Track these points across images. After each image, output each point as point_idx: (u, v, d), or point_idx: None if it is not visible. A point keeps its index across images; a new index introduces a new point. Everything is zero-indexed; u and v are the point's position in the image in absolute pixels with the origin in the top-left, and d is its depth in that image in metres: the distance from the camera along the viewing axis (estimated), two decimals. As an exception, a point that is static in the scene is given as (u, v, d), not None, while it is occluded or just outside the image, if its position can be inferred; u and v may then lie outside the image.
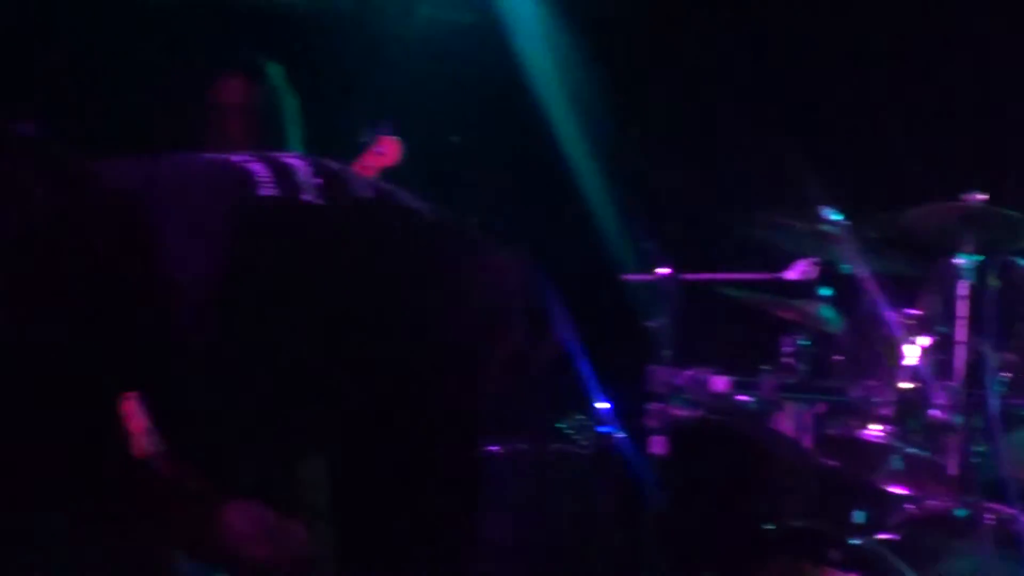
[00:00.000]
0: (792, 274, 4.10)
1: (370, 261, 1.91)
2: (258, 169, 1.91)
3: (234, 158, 1.95)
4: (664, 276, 4.12)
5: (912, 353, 3.72)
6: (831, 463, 3.71)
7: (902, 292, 3.86)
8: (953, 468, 3.54)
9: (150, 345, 1.76)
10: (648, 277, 4.17)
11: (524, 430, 1.95)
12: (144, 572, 2.00)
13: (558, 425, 1.96)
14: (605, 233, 5.19)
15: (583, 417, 1.98)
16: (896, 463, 3.64)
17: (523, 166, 5.41)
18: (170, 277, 1.74)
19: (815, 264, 4.07)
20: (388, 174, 3.86)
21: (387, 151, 3.94)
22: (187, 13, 4.67)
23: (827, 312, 3.98)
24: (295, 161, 1.98)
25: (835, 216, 3.88)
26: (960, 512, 3.39)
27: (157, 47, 4.59)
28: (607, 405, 4.13)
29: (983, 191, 3.62)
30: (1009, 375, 3.59)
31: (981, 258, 3.65)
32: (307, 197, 1.91)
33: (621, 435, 3.94)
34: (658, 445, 3.76)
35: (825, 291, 4.06)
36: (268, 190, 1.88)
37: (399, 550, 1.98)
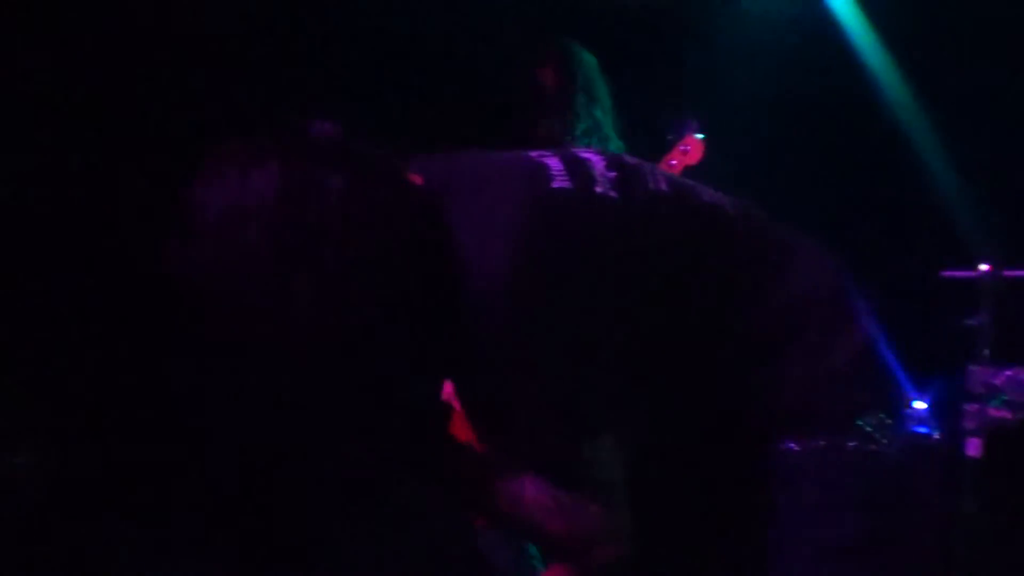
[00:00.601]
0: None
1: (664, 254, 1.91)
2: (552, 163, 1.94)
3: (531, 153, 1.99)
4: (985, 273, 4.01)
5: None
6: None
7: None
8: None
9: (449, 336, 1.81)
10: (969, 274, 4.06)
11: (822, 427, 1.92)
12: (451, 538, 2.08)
13: (859, 423, 1.91)
14: (926, 229, 5.07)
15: (885, 415, 1.93)
16: None
17: (843, 160, 5.32)
18: (465, 271, 1.79)
19: None
20: (693, 172, 3.87)
21: (691, 149, 3.95)
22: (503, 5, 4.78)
23: None
24: (591, 155, 2.00)
25: None
26: None
27: (471, 39, 4.69)
28: (923, 405, 4.05)
29: None
30: None
31: None
32: (600, 190, 1.93)
33: (935, 435, 3.84)
34: (973, 447, 3.66)
35: None
36: (561, 183, 1.91)
37: (691, 538, 1.99)
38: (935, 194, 5.19)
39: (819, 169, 5.32)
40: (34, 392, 3.94)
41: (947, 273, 4.28)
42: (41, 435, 3.94)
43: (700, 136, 3.98)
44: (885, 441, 1.91)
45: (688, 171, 3.92)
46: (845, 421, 1.91)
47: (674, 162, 3.93)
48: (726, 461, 1.97)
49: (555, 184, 1.90)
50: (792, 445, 1.91)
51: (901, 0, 5.25)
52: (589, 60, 3.81)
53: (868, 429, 1.90)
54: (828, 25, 5.36)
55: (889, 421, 1.92)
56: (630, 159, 2.05)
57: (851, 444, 1.90)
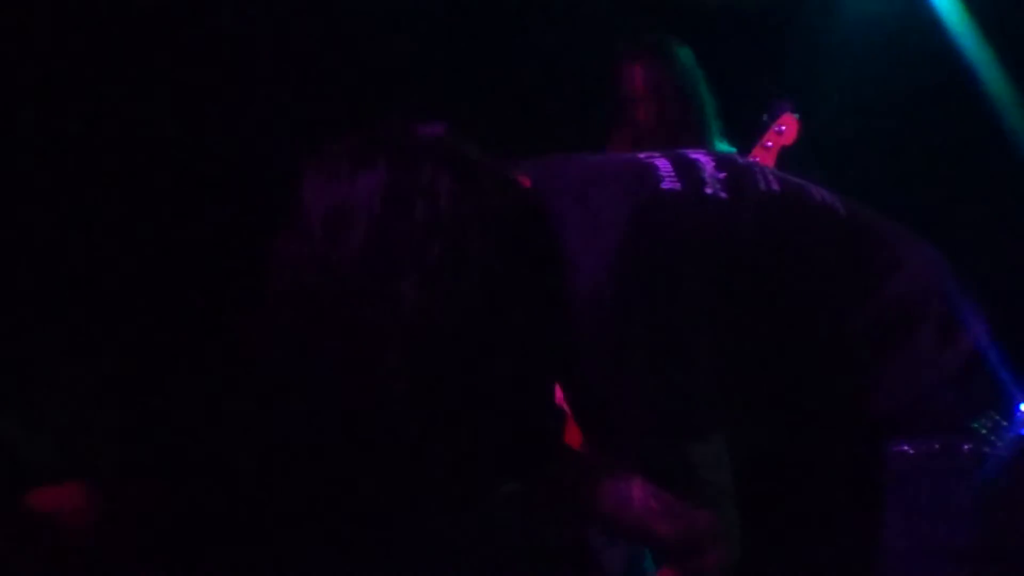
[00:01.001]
0: None
1: (774, 255, 1.90)
2: (661, 164, 1.93)
3: (639, 155, 1.98)
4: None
5: None
6: None
7: None
8: None
9: (555, 337, 1.81)
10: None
11: (937, 429, 1.89)
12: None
13: (974, 425, 1.88)
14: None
15: (999, 417, 1.90)
16: None
17: (947, 159, 5.26)
18: (572, 272, 1.79)
19: None
20: (789, 153, 3.83)
21: (787, 129, 3.91)
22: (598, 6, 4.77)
23: None
24: (700, 156, 1.99)
25: None
26: None
27: (565, 41, 4.69)
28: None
29: None
30: None
31: None
32: (710, 191, 1.91)
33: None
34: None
35: None
36: (670, 184, 1.89)
37: (800, 540, 1.97)
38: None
39: (923, 168, 5.26)
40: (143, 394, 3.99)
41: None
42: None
43: (796, 116, 3.93)
44: (1000, 444, 1.88)
45: (785, 152, 3.87)
46: (960, 423, 1.89)
47: (770, 143, 3.88)
48: (838, 463, 1.95)
49: (664, 185, 1.89)
50: (906, 447, 1.89)
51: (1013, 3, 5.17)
52: (685, 54, 3.75)
53: (983, 431, 1.88)
54: (931, 23, 5.30)
55: (1004, 423, 1.89)
56: (741, 159, 2.04)
57: (966, 446, 1.88)
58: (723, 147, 3.73)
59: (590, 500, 1.92)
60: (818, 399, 1.93)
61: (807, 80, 4.95)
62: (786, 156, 3.85)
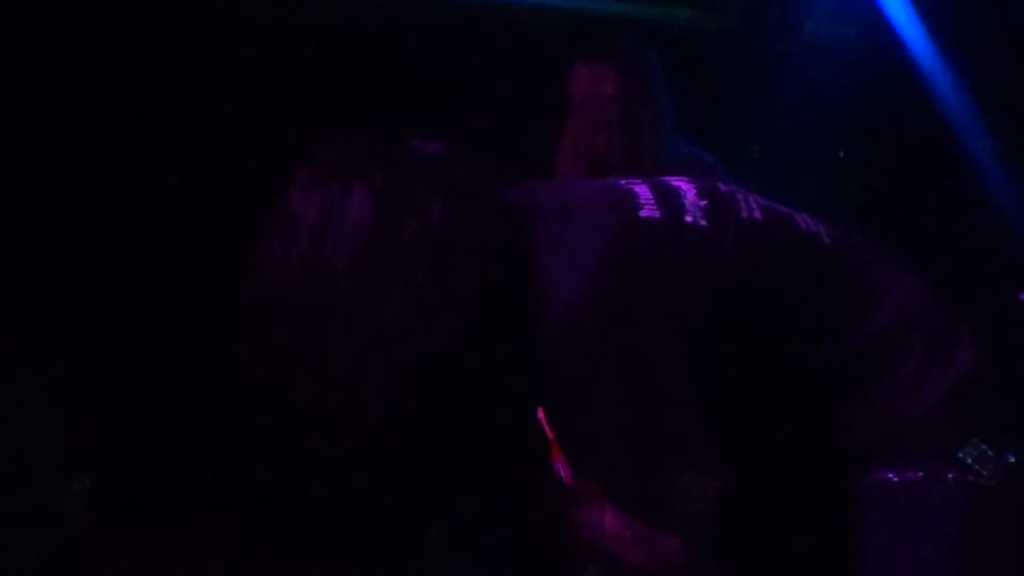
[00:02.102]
0: None
1: (755, 284, 1.89)
2: (641, 192, 1.93)
3: (620, 181, 1.97)
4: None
5: None
6: None
7: None
8: None
9: (533, 362, 1.80)
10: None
11: (921, 457, 1.89)
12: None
13: (959, 454, 1.88)
14: (1015, 248, 5.02)
15: (984, 447, 1.90)
16: None
17: (915, 180, 5.29)
18: (549, 298, 1.78)
19: None
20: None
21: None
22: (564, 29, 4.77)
23: None
24: (681, 183, 1.99)
25: None
26: None
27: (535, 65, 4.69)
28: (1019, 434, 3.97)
29: None
30: None
31: None
32: (690, 219, 1.90)
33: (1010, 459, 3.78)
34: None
35: None
36: (649, 212, 1.89)
37: (783, 569, 1.96)
38: (1007, 216, 5.15)
39: (887, 195, 5.29)
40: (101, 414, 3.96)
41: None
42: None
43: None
44: (985, 473, 1.88)
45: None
46: (944, 452, 1.89)
47: None
48: (821, 491, 1.94)
49: (643, 213, 1.88)
50: (890, 475, 1.88)
51: (972, 26, 5.21)
52: (650, 55, 3.66)
53: (968, 461, 1.88)
54: (893, 48, 5.34)
55: (991, 452, 1.89)
56: (724, 186, 2.03)
57: (950, 475, 1.88)
58: (684, 147, 3.67)
59: (566, 526, 1.92)
60: (799, 429, 1.92)
61: (768, 100, 4.98)
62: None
